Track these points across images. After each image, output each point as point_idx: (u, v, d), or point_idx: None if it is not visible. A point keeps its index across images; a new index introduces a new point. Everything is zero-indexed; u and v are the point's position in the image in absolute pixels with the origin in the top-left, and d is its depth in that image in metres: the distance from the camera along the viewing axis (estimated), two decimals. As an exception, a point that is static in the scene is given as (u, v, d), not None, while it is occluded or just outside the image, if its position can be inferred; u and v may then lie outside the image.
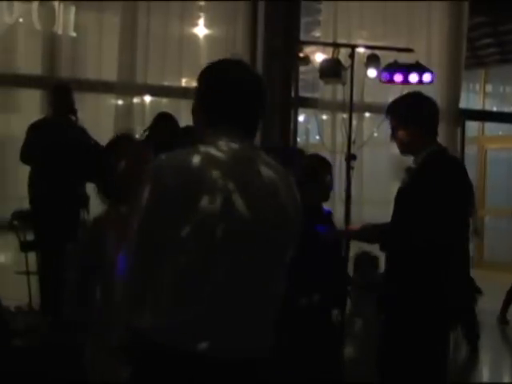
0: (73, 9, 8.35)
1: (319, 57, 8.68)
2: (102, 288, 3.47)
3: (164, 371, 2.39)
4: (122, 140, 3.62)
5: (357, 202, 8.47)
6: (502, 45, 12.70)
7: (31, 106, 7.64)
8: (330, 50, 8.22)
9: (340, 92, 8.36)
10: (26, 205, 7.24)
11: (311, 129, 12.71)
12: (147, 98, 8.86)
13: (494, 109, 14.96)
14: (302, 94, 9.41)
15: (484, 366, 7.95)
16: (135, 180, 3.36)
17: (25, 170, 7.12)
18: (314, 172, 4.72)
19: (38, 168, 6.87)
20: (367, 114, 9.23)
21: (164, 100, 9.05)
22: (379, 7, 9.19)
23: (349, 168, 7.45)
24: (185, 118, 6.98)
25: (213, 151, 2.44)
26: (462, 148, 9.86)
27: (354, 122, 8.12)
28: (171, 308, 2.39)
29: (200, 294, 2.37)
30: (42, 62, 8.28)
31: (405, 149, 4.24)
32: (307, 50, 8.76)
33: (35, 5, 8.11)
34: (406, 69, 8.21)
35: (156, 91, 8.76)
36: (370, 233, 4.32)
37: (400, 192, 4.21)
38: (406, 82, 8.17)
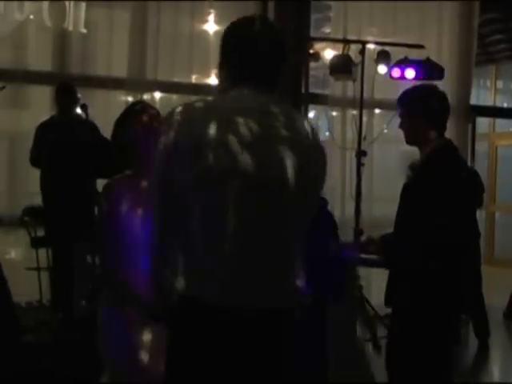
0: (83, 5, 8.36)
1: (329, 53, 8.68)
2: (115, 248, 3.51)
3: (195, 326, 2.45)
4: (137, 108, 3.66)
5: (367, 199, 8.47)
6: (512, 41, 12.67)
7: (41, 103, 7.65)
8: (341, 46, 8.22)
9: (350, 88, 8.36)
10: (36, 201, 7.27)
11: (321, 125, 12.69)
12: (157, 95, 8.86)
13: (505, 105, 14.90)
14: (313, 90, 9.39)
15: (494, 362, 7.93)
16: (149, 147, 3.39)
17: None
18: None
19: (48, 167, 6.89)
20: (377, 111, 9.21)
21: (174, 96, 9.04)
22: (389, 3, 9.17)
23: (359, 165, 7.45)
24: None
25: (220, 101, 2.53)
26: (472, 144, 9.84)
27: (365, 119, 8.11)
28: (196, 264, 2.43)
29: (221, 247, 2.41)
30: (52, 59, 8.30)
31: (409, 139, 4.26)
32: (317, 46, 8.77)
33: (46, 2, 8.13)
34: (417, 65, 8.20)
35: (166, 88, 8.76)
36: (376, 245, 4.28)
37: (404, 188, 4.22)
38: (416, 78, 8.16)
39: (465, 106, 9.65)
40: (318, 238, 4.19)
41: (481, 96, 14.16)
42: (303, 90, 9.08)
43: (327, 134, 10.18)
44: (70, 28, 8.29)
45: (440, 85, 8.91)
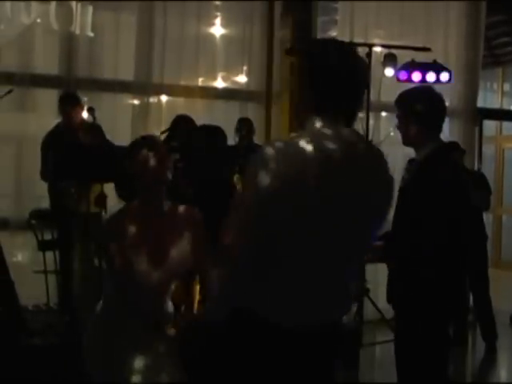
0: (90, 9, 8.37)
1: (336, 56, 8.66)
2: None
3: (261, 344, 2.55)
4: (143, 142, 3.69)
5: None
6: (519, 43, 12.64)
7: (48, 106, 7.67)
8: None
9: (357, 91, 8.35)
10: (43, 204, 7.29)
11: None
12: (164, 98, 8.87)
13: (512, 108, 14.89)
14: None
15: (502, 365, 7.91)
16: (154, 182, 3.54)
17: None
18: None
19: (56, 172, 6.93)
20: (384, 113, 9.19)
21: (180, 99, 9.05)
22: (396, 6, 9.16)
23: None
24: (202, 118, 7.01)
25: (322, 140, 2.48)
26: (479, 147, 9.81)
27: (371, 121, 8.11)
28: (272, 285, 2.51)
29: (294, 272, 2.50)
30: (59, 62, 8.32)
31: (405, 140, 4.32)
32: (324, 49, 8.75)
33: (53, 5, 8.15)
34: (424, 68, 8.19)
35: (173, 91, 8.77)
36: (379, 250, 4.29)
37: (400, 190, 4.23)
38: (423, 81, 8.15)
39: (472, 109, 9.64)
40: None
41: (488, 99, 14.12)
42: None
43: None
44: (77, 31, 8.30)
45: (447, 87, 8.96)
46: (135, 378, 3.55)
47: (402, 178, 4.32)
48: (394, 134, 8.30)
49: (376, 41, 8.69)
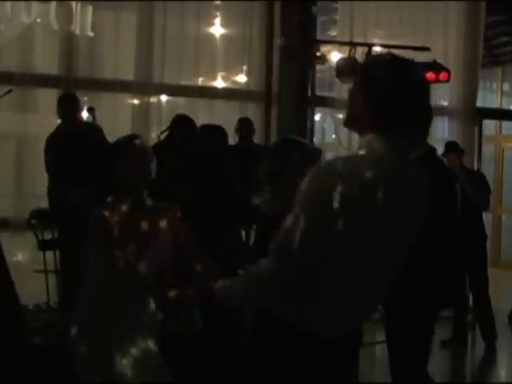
0: (90, 9, 8.39)
1: (335, 56, 8.67)
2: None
3: (297, 352, 2.59)
4: (127, 141, 3.79)
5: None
6: (518, 43, 12.64)
7: (49, 106, 7.65)
8: (347, 48, 8.20)
9: (356, 91, 8.34)
10: (43, 204, 7.28)
11: (327, 128, 12.70)
12: (164, 97, 8.88)
13: (511, 107, 14.88)
14: (319, 92, 9.40)
15: (501, 365, 7.92)
16: (136, 181, 3.70)
17: (42, 169, 7.17)
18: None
19: (57, 172, 6.94)
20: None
21: (181, 99, 9.06)
22: (395, 6, 9.17)
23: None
24: (201, 117, 7.01)
25: (377, 163, 2.46)
26: (479, 147, 9.81)
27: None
28: (309, 297, 2.52)
29: (334, 288, 2.51)
30: (59, 62, 8.33)
31: None
32: (324, 49, 8.76)
33: (53, 5, 8.15)
34: (423, 67, 8.18)
35: (173, 90, 8.77)
36: None
37: None
38: (422, 80, 8.14)
39: (471, 109, 9.64)
40: None
41: (487, 98, 14.12)
42: (309, 93, 9.09)
43: (333, 136, 10.19)
44: (77, 31, 8.32)
45: (446, 87, 8.96)
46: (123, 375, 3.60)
47: None
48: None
49: (375, 40, 8.70)
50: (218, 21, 9.08)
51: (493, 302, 7.93)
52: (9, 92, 7.20)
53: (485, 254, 7.98)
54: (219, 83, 9.26)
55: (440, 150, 7.94)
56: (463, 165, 7.87)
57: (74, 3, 8.28)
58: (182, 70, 8.83)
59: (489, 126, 12.58)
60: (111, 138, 6.93)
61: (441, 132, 9.65)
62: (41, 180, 7.32)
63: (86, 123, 7.28)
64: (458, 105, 9.56)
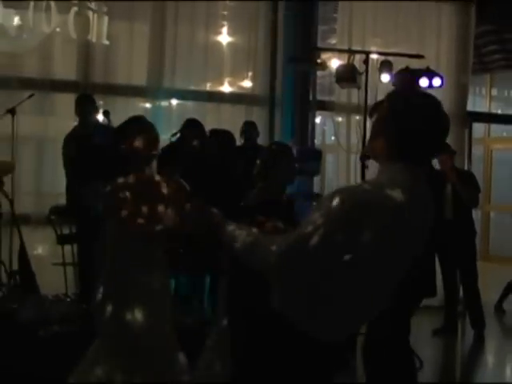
0: (106, 19, 8.40)
1: (335, 62, 8.67)
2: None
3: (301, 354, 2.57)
4: (133, 122, 3.81)
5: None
6: (506, 51, 12.59)
7: (67, 109, 7.67)
8: (346, 56, 8.21)
9: (355, 95, 8.36)
10: (62, 201, 7.30)
11: (327, 130, 12.69)
12: (174, 102, 8.89)
13: (499, 111, 14.87)
14: (320, 97, 9.40)
15: (489, 351, 7.93)
16: (145, 158, 3.80)
17: (61, 169, 7.19)
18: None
19: (74, 171, 6.95)
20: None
21: (190, 103, 9.07)
22: (392, 16, 9.17)
23: (363, 167, 7.44)
24: (209, 120, 7.02)
25: (395, 196, 2.46)
26: (469, 148, 9.81)
27: (368, 124, 8.10)
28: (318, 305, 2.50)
29: (339, 296, 2.50)
30: (76, 69, 8.33)
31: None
32: (324, 56, 8.75)
33: (71, 15, 8.17)
34: (417, 74, 8.19)
35: (183, 95, 8.78)
36: None
37: None
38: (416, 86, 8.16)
39: (462, 113, 9.63)
40: None
41: (477, 103, 14.10)
42: (311, 97, 9.10)
43: (333, 138, 10.19)
44: (94, 40, 8.33)
45: (439, 92, 8.95)
46: None
47: None
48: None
49: (373, 48, 8.70)
50: (225, 30, 9.09)
51: (481, 293, 7.93)
52: (30, 97, 7.23)
53: (474, 248, 7.98)
54: (226, 88, 9.27)
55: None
56: (454, 165, 7.87)
57: (90, 14, 8.29)
58: (192, 75, 8.83)
59: (478, 128, 12.59)
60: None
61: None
62: (59, 179, 7.33)
63: (102, 125, 7.29)
64: (449, 109, 9.53)
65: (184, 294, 6.93)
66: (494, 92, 14.68)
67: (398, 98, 2.64)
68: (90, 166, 6.70)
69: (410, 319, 4.64)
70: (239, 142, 7.54)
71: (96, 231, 6.61)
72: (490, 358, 7.75)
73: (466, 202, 7.65)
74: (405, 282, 3.40)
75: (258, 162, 4.76)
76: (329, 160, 10.82)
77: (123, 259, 3.81)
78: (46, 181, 8.11)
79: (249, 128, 7.85)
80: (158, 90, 8.50)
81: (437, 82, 8.26)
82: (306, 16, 8.92)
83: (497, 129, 14.38)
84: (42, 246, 8.02)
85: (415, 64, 8.27)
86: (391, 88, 8.19)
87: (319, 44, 9.29)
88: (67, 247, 7.34)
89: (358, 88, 8.01)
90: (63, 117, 7.91)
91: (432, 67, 8.38)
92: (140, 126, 3.85)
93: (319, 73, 9.10)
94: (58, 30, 8.28)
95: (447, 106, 9.58)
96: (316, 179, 9.26)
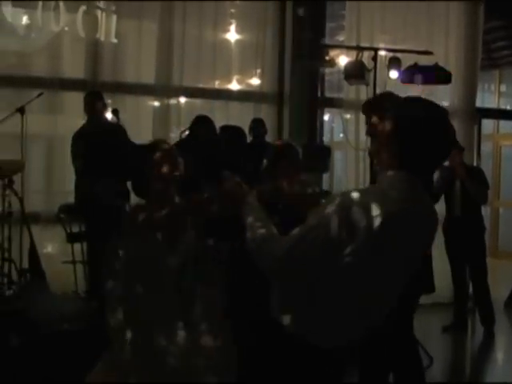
0: (114, 17, 8.40)
1: (344, 59, 8.65)
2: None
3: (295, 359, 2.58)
4: (157, 147, 3.85)
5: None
6: (515, 47, 12.59)
7: (76, 108, 7.68)
8: (354, 53, 8.19)
9: (363, 92, 8.33)
10: (71, 199, 7.31)
11: (336, 127, 12.66)
12: (183, 99, 8.88)
13: (508, 107, 14.82)
14: (328, 94, 9.38)
15: (499, 348, 7.90)
16: (167, 181, 3.74)
17: (70, 167, 7.20)
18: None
19: (82, 169, 6.96)
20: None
21: (198, 101, 9.06)
22: (400, 13, 9.13)
23: (372, 164, 7.41)
24: (218, 118, 7.01)
25: (393, 203, 2.47)
26: (478, 145, 9.78)
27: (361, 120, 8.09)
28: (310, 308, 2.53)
29: (337, 301, 2.52)
30: (85, 67, 8.33)
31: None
32: (332, 53, 8.74)
33: (80, 14, 8.17)
34: (426, 70, 8.16)
35: (191, 93, 8.77)
36: None
37: None
38: (425, 82, 8.14)
39: (471, 109, 9.59)
40: None
41: (485, 99, 14.06)
42: (319, 94, 9.08)
43: (341, 135, 10.17)
44: (102, 38, 8.32)
45: (447, 89, 8.93)
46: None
47: None
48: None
49: (381, 45, 8.66)
50: (233, 27, 9.07)
51: (491, 289, 7.91)
52: (39, 95, 7.24)
53: (483, 244, 7.95)
54: (234, 86, 9.26)
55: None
56: (463, 161, 7.84)
57: (99, 12, 8.30)
58: (200, 73, 8.82)
59: (487, 125, 12.53)
60: (133, 137, 6.99)
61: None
62: (69, 177, 7.34)
63: (111, 123, 7.30)
64: (458, 105, 9.51)
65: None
66: (503, 88, 14.63)
67: (404, 106, 2.63)
68: (99, 163, 6.71)
69: (413, 316, 4.63)
70: (247, 139, 7.53)
71: (105, 229, 6.67)
72: (499, 355, 7.72)
73: (474, 198, 7.62)
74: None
75: (265, 159, 4.75)
76: (337, 157, 10.79)
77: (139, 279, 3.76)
78: (55, 179, 8.11)
79: (257, 125, 7.85)
80: (167, 87, 8.49)
81: (445, 78, 8.23)
82: (315, 13, 8.89)
83: (506, 125, 14.31)
84: (51, 244, 8.03)
85: (424, 60, 8.24)
86: (399, 85, 8.17)
87: (327, 41, 9.27)
88: (77, 245, 7.35)
89: (367, 85, 7.98)
90: (72, 115, 7.91)
91: (440, 64, 8.34)
92: (163, 152, 3.85)
93: (327, 70, 9.09)
94: (66, 28, 8.28)
95: (456, 102, 9.56)
96: (325, 176, 9.24)
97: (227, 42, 9.09)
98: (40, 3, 8.06)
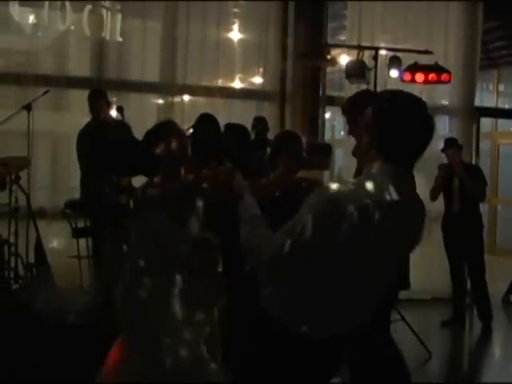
0: (119, 17, 8.41)
1: (345, 59, 8.66)
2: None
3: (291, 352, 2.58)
4: (165, 126, 3.87)
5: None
6: (513, 47, 12.59)
7: (81, 105, 7.68)
8: (355, 52, 8.20)
9: (364, 91, 8.33)
10: (76, 195, 7.32)
11: (337, 125, 12.68)
12: (186, 97, 8.89)
13: (506, 106, 14.83)
14: (329, 92, 9.38)
15: (497, 343, 7.91)
16: (175, 161, 3.73)
17: (75, 163, 7.21)
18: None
19: (87, 166, 6.97)
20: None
21: (201, 99, 9.07)
22: (401, 13, 9.14)
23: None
24: (221, 116, 7.02)
25: (376, 195, 2.48)
26: (476, 143, 9.78)
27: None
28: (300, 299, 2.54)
29: (327, 291, 2.52)
30: (90, 65, 8.36)
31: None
32: (334, 52, 8.75)
33: (85, 14, 8.18)
34: (426, 69, 8.17)
35: (194, 91, 8.78)
36: None
37: None
38: (425, 81, 8.14)
39: (469, 108, 9.60)
40: None
41: (484, 98, 14.07)
42: (321, 93, 9.08)
43: (342, 133, 10.18)
44: (107, 37, 8.33)
45: (447, 88, 8.93)
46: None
47: None
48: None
49: (382, 44, 8.67)
50: (236, 27, 9.09)
51: (489, 285, 7.92)
52: (45, 93, 7.25)
53: (482, 241, 7.96)
54: (237, 84, 9.27)
55: (440, 146, 7.93)
56: (462, 159, 7.85)
57: (104, 12, 8.31)
58: (203, 71, 8.82)
59: (486, 123, 12.55)
60: (138, 135, 6.99)
61: (441, 129, 9.61)
62: (74, 173, 7.35)
63: (116, 121, 7.30)
64: (457, 104, 9.52)
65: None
66: (502, 87, 14.63)
67: (383, 99, 2.65)
68: (104, 160, 6.72)
69: (390, 313, 4.64)
70: (250, 137, 7.54)
71: (109, 224, 6.69)
72: (497, 350, 7.74)
73: (472, 195, 7.63)
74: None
75: (268, 151, 4.73)
76: (338, 155, 10.80)
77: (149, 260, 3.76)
78: (61, 175, 8.14)
79: (259, 123, 7.85)
80: (171, 85, 8.50)
81: (445, 77, 8.24)
82: (316, 13, 8.89)
83: (504, 124, 14.34)
84: (57, 239, 8.04)
85: (424, 60, 8.25)
86: (400, 83, 8.18)
87: (329, 40, 9.26)
88: (82, 240, 7.37)
89: (368, 83, 7.99)
90: (78, 113, 7.92)
91: (440, 63, 8.35)
92: (172, 129, 3.85)
93: (329, 69, 9.08)
94: (72, 27, 8.30)
95: (455, 101, 9.57)
96: (326, 174, 9.24)
97: (230, 41, 9.10)
98: (46, 3, 8.08)
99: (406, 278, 5.23)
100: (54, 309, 5.97)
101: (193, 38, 8.59)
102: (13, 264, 6.87)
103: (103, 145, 6.80)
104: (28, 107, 7.03)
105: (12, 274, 6.87)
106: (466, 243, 7.72)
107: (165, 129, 3.84)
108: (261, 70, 9.19)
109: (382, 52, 8.19)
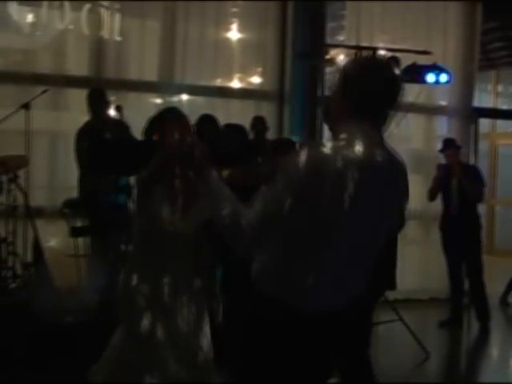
0: (118, 16, 8.40)
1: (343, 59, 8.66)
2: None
3: (281, 327, 2.55)
4: (169, 111, 3.84)
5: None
6: (511, 48, 12.58)
7: (80, 105, 7.68)
8: (354, 52, 8.18)
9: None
10: (74, 194, 7.32)
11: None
12: (185, 97, 8.88)
13: (505, 107, 14.83)
14: (328, 92, 9.36)
15: (494, 344, 7.91)
16: (180, 150, 3.52)
17: (73, 163, 7.20)
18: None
19: (86, 165, 6.96)
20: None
21: (200, 98, 9.06)
22: (399, 13, 9.14)
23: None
24: (220, 116, 7.01)
25: (349, 154, 2.49)
26: (475, 143, 9.78)
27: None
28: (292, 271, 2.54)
29: (313, 262, 2.52)
30: (89, 64, 8.34)
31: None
32: (332, 52, 8.75)
33: (84, 12, 8.17)
34: (425, 70, 8.17)
35: (193, 90, 8.78)
36: None
37: None
38: (424, 82, 8.15)
39: (468, 108, 9.60)
40: None
41: (482, 99, 14.06)
42: (319, 93, 9.08)
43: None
44: (106, 36, 8.32)
45: (446, 88, 8.91)
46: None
47: None
48: (398, 131, 8.33)
49: (380, 45, 8.66)
50: (234, 26, 9.07)
51: (487, 286, 7.93)
52: (44, 92, 7.25)
53: (480, 242, 7.96)
54: (236, 84, 9.26)
55: (439, 146, 7.93)
56: (460, 160, 7.85)
57: (103, 11, 8.30)
58: (202, 71, 8.82)
59: (484, 124, 12.54)
60: (136, 134, 6.98)
61: (440, 130, 9.60)
62: (72, 172, 7.34)
63: (114, 120, 7.30)
64: (455, 104, 9.53)
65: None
66: (500, 88, 14.64)
67: (351, 61, 2.71)
68: (103, 159, 6.71)
69: (372, 314, 4.64)
70: (249, 136, 7.54)
71: (107, 223, 6.68)
72: (494, 350, 7.74)
73: (470, 196, 7.63)
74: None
75: (266, 154, 4.74)
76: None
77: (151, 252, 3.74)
78: (59, 174, 8.13)
79: (258, 123, 7.85)
80: (169, 85, 8.49)
81: (444, 77, 8.25)
82: (315, 13, 8.89)
83: (502, 124, 14.34)
84: (55, 239, 8.03)
85: (422, 60, 8.25)
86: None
87: (328, 40, 9.26)
88: (80, 239, 7.35)
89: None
90: (76, 112, 7.91)
91: (439, 64, 8.35)
92: (176, 114, 3.82)
93: (327, 69, 9.08)
94: (71, 26, 8.29)
95: (454, 101, 9.58)
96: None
97: (229, 40, 9.09)
98: (45, 2, 8.07)
99: (393, 278, 5.22)
100: (51, 307, 5.97)
101: (192, 38, 8.58)
102: (11, 263, 6.88)
103: (102, 144, 6.79)
104: (26, 106, 7.02)
105: (10, 273, 6.87)
106: (464, 244, 7.72)
107: (168, 114, 3.80)
108: (260, 69, 9.19)
109: (381, 52, 8.18)
